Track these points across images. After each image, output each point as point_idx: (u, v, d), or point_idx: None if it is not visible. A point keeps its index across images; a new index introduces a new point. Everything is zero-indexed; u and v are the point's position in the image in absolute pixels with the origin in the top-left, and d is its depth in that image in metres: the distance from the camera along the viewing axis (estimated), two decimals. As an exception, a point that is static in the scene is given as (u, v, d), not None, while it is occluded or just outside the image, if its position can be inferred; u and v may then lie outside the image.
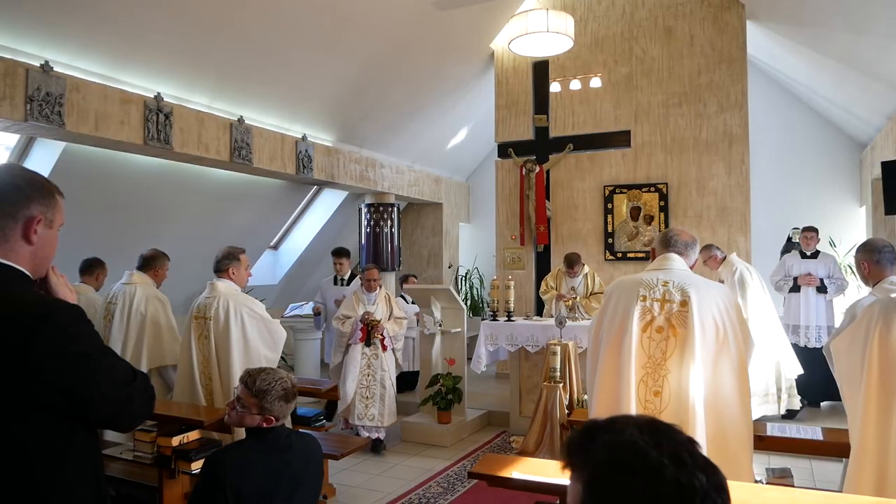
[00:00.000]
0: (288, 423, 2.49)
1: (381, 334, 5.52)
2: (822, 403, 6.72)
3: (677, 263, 2.84)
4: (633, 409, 2.63)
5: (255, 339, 3.83)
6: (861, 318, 2.58)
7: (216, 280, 3.92)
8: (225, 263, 3.93)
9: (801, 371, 6.05)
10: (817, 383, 6.51)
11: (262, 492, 2.24)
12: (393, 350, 5.70)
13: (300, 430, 4.32)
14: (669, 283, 2.74)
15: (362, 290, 5.75)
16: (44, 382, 1.37)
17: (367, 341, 5.51)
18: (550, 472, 2.76)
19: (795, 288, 6.68)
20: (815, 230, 6.75)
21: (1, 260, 1.46)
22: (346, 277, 6.86)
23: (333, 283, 6.90)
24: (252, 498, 2.22)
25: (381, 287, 5.81)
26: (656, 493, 0.87)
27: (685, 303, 2.68)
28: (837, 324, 6.35)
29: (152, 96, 5.52)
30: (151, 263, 4.70)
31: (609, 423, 0.96)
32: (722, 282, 6.03)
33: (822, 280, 6.55)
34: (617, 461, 0.90)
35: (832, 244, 8.54)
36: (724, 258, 6.10)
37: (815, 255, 6.71)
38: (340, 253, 6.88)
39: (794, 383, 6.16)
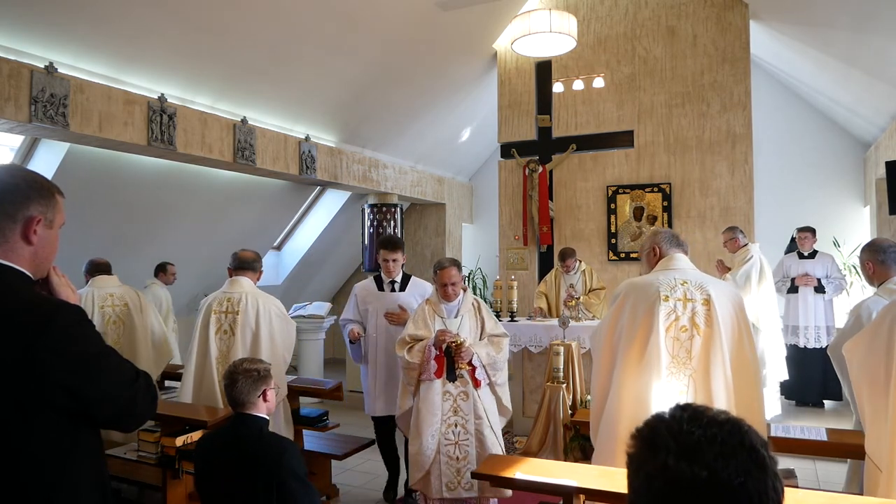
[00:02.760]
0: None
1: (470, 362, 3.73)
2: (825, 403, 6.71)
3: (687, 263, 2.85)
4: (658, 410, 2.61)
5: (279, 339, 3.88)
6: (882, 318, 2.51)
7: (239, 277, 3.93)
8: (259, 264, 4.05)
9: (786, 377, 6.02)
10: (817, 383, 6.50)
11: (205, 464, 2.46)
12: (493, 386, 3.84)
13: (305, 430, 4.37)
14: (688, 282, 2.73)
15: (438, 297, 3.90)
16: (48, 383, 1.37)
17: (450, 374, 3.72)
18: (554, 472, 2.75)
19: (793, 289, 6.67)
20: (811, 230, 6.74)
21: (1, 261, 1.45)
22: (399, 280, 4.49)
23: (378, 288, 4.47)
24: (199, 468, 2.48)
25: (464, 292, 3.95)
26: (652, 473, 0.89)
27: (707, 301, 2.68)
28: (839, 324, 6.34)
29: (156, 97, 5.53)
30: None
31: (682, 405, 0.98)
32: (728, 269, 6.03)
33: (819, 280, 6.54)
34: (642, 434, 0.95)
35: (836, 244, 8.52)
36: (746, 245, 6.08)
37: (813, 255, 6.70)
38: (393, 245, 4.44)
39: (779, 387, 6.12)
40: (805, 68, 8.21)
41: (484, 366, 3.76)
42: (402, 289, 4.46)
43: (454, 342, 3.69)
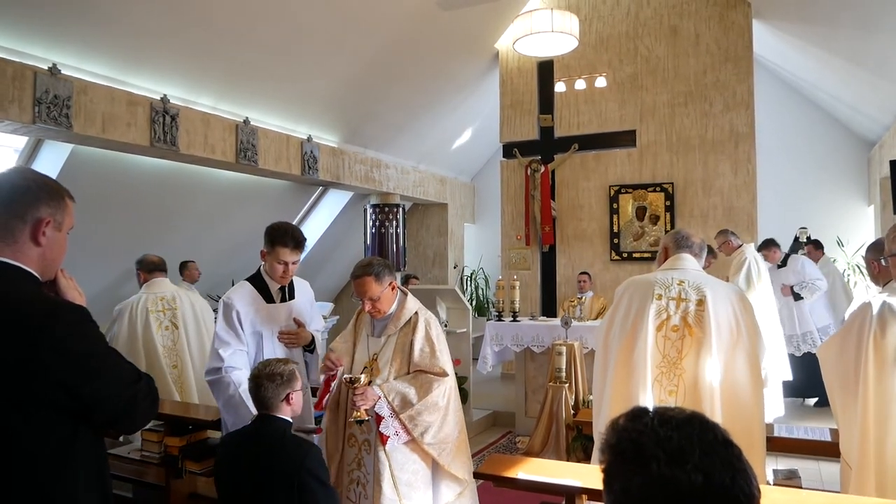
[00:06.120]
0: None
1: (374, 410, 2.61)
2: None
3: (691, 263, 2.84)
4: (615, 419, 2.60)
5: (210, 326, 4.39)
6: (852, 322, 2.51)
7: (157, 279, 4.46)
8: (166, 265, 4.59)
9: (790, 377, 5.97)
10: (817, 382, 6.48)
11: (226, 464, 2.45)
12: (419, 443, 2.68)
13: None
14: (685, 282, 2.73)
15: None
16: (49, 381, 1.38)
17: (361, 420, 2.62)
18: (556, 472, 2.75)
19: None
20: (768, 243, 6.60)
21: (9, 261, 1.46)
22: (287, 288, 3.18)
23: (267, 299, 3.10)
24: (220, 467, 2.47)
25: (403, 302, 2.84)
26: (644, 486, 0.88)
27: (701, 302, 2.67)
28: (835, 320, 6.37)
29: (158, 98, 5.54)
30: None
31: (639, 411, 0.97)
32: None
33: (793, 288, 6.47)
34: (619, 449, 0.93)
35: (839, 244, 8.50)
36: (740, 246, 6.02)
37: (785, 262, 6.62)
38: (297, 242, 3.05)
39: (781, 388, 6.07)
40: (808, 67, 8.19)
41: (397, 414, 2.60)
42: (292, 295, 3.20)
43: (350, 379, 2.57)
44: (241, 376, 2.87)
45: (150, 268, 4.44)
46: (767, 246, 6.63)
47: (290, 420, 2.45)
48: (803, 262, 6.62)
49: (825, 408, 6.60)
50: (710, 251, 6.02)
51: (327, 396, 2.77)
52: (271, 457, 2.30)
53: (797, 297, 6.46)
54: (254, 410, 2.68)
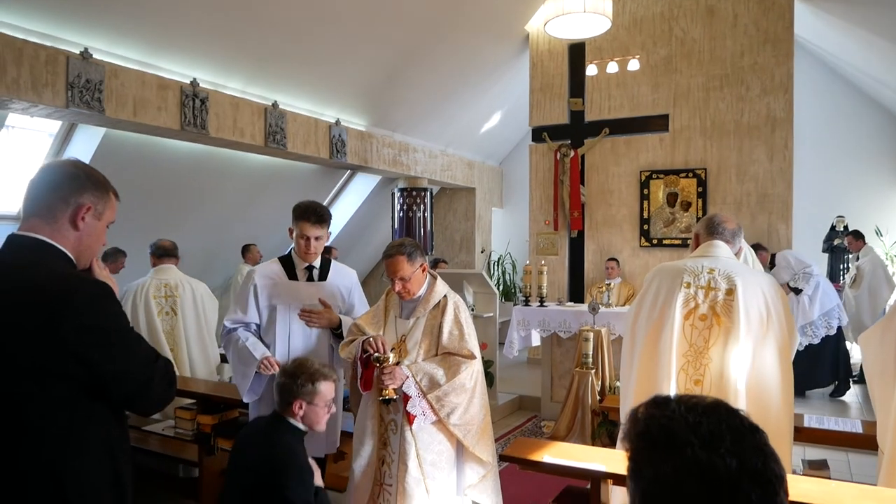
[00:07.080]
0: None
1: (402, 390, 2.64)
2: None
3: (723, 251, 2.78)
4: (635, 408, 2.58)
5: (210, 316, 4.62)
6: (894, 312, 2.48)
7: (166, 265, 4.49)
8: (178, 251, 4.62)
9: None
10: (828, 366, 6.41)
11: (236, 443, 2.51)
12: (444, 424, 2.68)
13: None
14: (715, 270, 2.68)
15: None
16: (68, 353, 1.40)
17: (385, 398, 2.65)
18: (581, 456, 2.75)
19: None
20: (757, 247, 6.43)
21: (46, 238, 1.52)
22: (318, 265, 3.20)
23: (290, 276, 3.15)
24: (232, 448, 2.52)
25: (433, 285, 2.86)
26: (678, 471, 0.88)
27: (731, 291, 2.62)
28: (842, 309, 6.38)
29: (188, 82, 5.61)
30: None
31: (661, 399, 0.97)
32: None
33: (788, 284, 6.29)
34: (648, 435, 0.93)
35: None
36: None
37: (773, 263, 6.48)
38: (318, 216, 3.08)
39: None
40: (852, 49, 7.91)
41: (425, 395, 2.63)
42: (323, 277, 3.19)
43: (379, 357, 2.60)
44: (248, 333, 3.09)
45: (159, 253, 4.51)
46: (756, 250, 6.49)
47: (302, 429, 2.34)
48: (786, 255, 6.48)
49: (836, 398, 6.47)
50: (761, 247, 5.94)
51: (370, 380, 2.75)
52: (258, 459, 2.27)
53: (797, 291, 6.31)
54: (257, 356, 2.95)
